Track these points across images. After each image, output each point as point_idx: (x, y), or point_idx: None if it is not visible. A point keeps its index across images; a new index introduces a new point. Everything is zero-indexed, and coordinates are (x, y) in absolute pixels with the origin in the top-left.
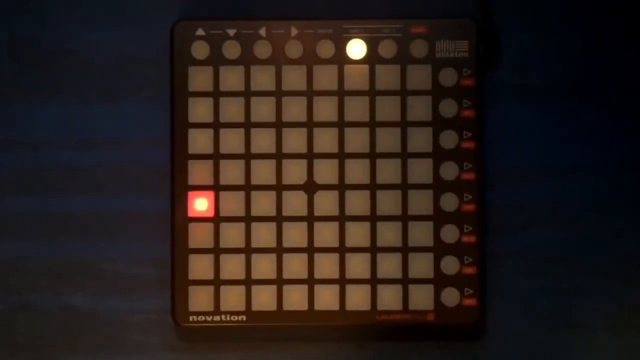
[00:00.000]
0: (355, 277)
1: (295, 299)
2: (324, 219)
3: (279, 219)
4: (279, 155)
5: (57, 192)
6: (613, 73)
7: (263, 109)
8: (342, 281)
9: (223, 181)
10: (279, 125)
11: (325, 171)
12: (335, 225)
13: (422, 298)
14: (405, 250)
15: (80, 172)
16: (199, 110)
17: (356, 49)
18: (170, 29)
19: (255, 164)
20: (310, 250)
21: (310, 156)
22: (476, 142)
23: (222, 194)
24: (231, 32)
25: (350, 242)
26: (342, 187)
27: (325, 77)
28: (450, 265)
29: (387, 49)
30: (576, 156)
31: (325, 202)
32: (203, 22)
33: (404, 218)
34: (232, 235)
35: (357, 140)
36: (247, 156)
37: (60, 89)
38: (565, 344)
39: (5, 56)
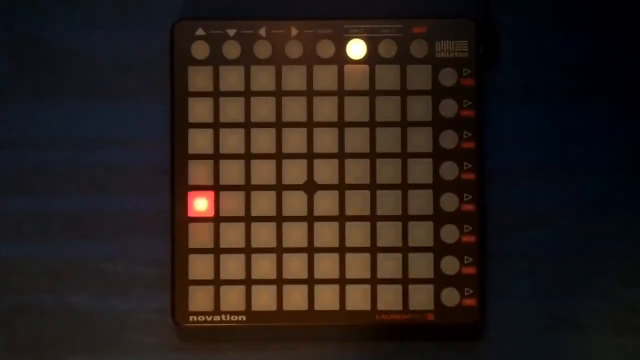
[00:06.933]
0: (355, 277)
1: (295, 299)
2: (324, 219)
3: (279, 219)
4: (279, 155)
5: (57, 192)
6: (613, 73)
7: (263, 109)
8: (342, 281)
9: (223, 181)
10: (279, 125)
11: (325, 171)
12: (335, 225)
13: (422, 298)
14: (405, 250)
15: (81, 172)
16: (199, 110)
17: (356, 49)
18: (170, 29)
19: (255, 164)
20: (310, 250)
21: (310, 156)
22: (476, 142)
23: (222, 194)
24: (231, 32)
25: (350, 242)
26: (342, 187)
27: (325, 77)
28: (450, 265)
29: (387, 49)
30: (576, 156)
31: (325, 202)
32: (203, 22)
33: (404, 218)
34: (232, 235)
35: (357, 140)
36: (247, 156)
37: (60, 89)
38: (565, 344)
39: (5, 56)
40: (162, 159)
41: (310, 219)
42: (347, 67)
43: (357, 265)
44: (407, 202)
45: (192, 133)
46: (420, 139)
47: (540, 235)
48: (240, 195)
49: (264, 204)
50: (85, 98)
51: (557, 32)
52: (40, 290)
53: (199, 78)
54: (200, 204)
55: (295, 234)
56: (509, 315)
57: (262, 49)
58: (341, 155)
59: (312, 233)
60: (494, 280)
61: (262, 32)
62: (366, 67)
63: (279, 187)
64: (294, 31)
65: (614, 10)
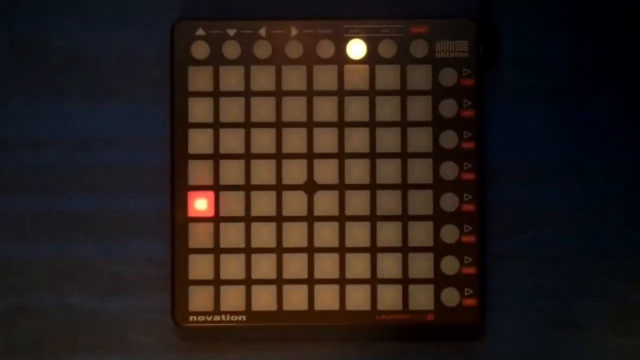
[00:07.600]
0: (355, 277)
1: (295, 299)
2: (324, 219)
3: (279, 219)
4: (279, 155)
5: (57, 192)
6: (612, 73)
7: (263, 109)
8: (342, 281)
9: (223, 181)
10: (279, 125)
11: (325, 171)
12: (335, 225)
13: (422, 298)
14: (405, 250)
15: (80, 172)
16: (199, 110)
17: (356, 49)
18: (170, 29)
19: (255, 164)
20: (310, 250)
21: (310, 156)
22: (476, 142)
23: (222, 194)
24: (231, 32)
25: (350, 242)
26: (342, 187)
27: (325, 77)
28: (450, 265)
29: (387, 49)
30: (576, 156)
31: (325, 202)
32: (203, 22)
33: (404, 218)
34: (232, 235)
35: (357, 140)
36: (247, 156)
37: (60, 89)
38: (565, 344)
39: (5, 56)
40: (162, 159)
41: (310, 219)
42: (347, 67)
43: (357, 265)
44: (407, 202)
45: (192, 133)
46: (420, 139)
47: (540, 235)
48: (240, 195)
49: (264, 204)
50: (85, 98)
51: (557, 32)
52: (40, 290)
53: (199, 78)
54: (200, 204)
55: (295, 234)
56: (509, 315)
57: (262, 49)
58: (341, 155)
59: (312, 233)
60: (494, 280)
61: (262, 32)
62: (366, 67)
63: (279, 187)
64: (294, 31)
65: (614, 10)
